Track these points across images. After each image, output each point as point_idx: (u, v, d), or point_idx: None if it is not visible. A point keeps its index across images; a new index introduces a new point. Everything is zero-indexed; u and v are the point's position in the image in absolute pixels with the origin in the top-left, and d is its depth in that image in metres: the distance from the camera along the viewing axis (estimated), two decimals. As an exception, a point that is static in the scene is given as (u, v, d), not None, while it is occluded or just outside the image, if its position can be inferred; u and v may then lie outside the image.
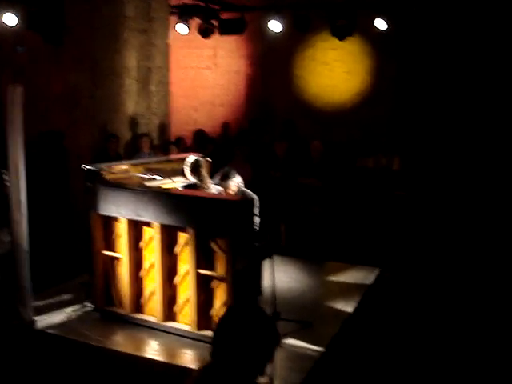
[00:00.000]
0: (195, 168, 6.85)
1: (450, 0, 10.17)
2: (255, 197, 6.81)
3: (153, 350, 6.14)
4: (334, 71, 13.79)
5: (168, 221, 6.09)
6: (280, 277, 7.94)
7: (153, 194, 6.20)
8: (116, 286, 6.70)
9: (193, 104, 14.86)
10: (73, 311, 6.78)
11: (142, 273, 6.54)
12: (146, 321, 6.48)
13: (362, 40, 13.23)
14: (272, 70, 14.34)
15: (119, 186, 6.48)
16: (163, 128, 10.59)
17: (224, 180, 6.89)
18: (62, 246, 8.85)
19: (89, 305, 6.85)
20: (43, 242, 8.15)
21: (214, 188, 6.89)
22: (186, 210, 6.00)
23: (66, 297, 7.20)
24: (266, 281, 7.02)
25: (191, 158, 6.97)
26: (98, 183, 6.48)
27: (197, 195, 6.38)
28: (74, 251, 8.39)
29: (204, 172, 6.92)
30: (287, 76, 14.12)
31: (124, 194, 6.32)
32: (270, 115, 14.01)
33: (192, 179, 6.89)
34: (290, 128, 12.43)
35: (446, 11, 10.39)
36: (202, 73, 14.83)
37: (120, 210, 6.35)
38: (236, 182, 6.94)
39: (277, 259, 8.16)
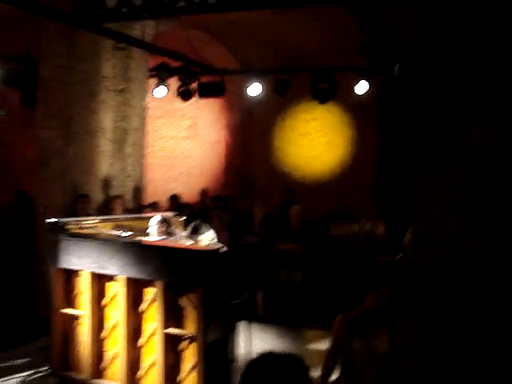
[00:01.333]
0: (163, 223, 6.43)
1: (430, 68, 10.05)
2: (231, 253, 6.36)
3: (112, 419, 5.52)
4: (315, 142, 13.63)
5: (135, 273, 5.60)
6: (257, 344, 7.41)
7: (119, 244, 5.73)
8: (76, 348, 6.12)
9: (170, 174, 14.61)
10: (28, 376, 6.16)
11: (104, 333, 5.98)
12: (107, 387, 5.88)
13: (342, 111, 13.18)
14: (252, 140, 14.17)
15: (83, 236, 6.01)
16: (137, 191, 10.19)
17: (195, 233, 6.43)
18: (24, 306, 8.27)
19: (45, 369, 6.23)
20: (3, 302, 7.63)
21: (185, 242, 6.43)
22: (154, 262, 5.53)
23: (21, 361, 6.59)
24: (242, 348, 6.52)
25: (157, 216, 6.61)
26: (61, 235, 6.00)
27: (166, 245, 5.93)
28: (35, 311, 7.81)
29: (173, 228, 6.51)
30: (267, 146, 13.93)
31: (87, 245, 5.85)
32: (249, 185, 13.70)
33: (160, 237, 6.45)
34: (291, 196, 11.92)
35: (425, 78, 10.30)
36: (181, 142, 14.66)
37: (82, 263, 5.86)
38: (208, 237, 6.48)
39: (254, 326, 7.67)
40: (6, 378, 6.10)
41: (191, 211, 10.53)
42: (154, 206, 10.15)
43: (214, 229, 7.07)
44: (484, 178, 4.18)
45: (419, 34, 4.46)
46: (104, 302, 5.94)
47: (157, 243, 6.14)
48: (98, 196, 9.57)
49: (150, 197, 11.31)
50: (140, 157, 10.20)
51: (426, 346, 4.52)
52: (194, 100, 12.91)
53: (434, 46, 4.39)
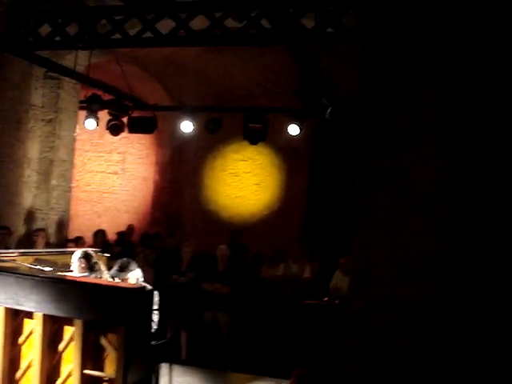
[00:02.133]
0: (85, 259, 6.20)
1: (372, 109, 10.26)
2: (155, 292, 6.16)
3: None
4: (244, 182, 13.63)
5: (53, 311, 5.30)
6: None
7: (37, 279, 5.44)
8: (-15, 389, 5.73)
9: (96, 209, 14.29)
10: None
11: (18, 374, 5.62)
12: (16, 434, 5.51)
13: (273, 153, 13.27)
14: (181, 178, 14.05)
15: None
16: (61, 225, 9.87)
17: (122, 271, 6.22)
18: None
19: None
20: None
21: (109, 279, 6.20)
22: (73, 299, 5.25)
23: None
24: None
25: (79, 251, 6.38)
26: (-25, 266, 5.67)
27: (87, 281, 5.68)
28: None
29: (96, 264, 6.27)
30: (196, 185, 13.84)
31: (4, 278, 5.51)
32: (176, 223, 13.51)
33: (82, 274, 6.20)
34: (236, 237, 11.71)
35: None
36: (108, 177, 14.39)
37: (-2, 298, 5.52)
38: (135, 275, 6.28)
39: (177, 369, 7.47)
40: None
41: (122, 248, 10.28)
42: (78, 241, 9.82)
43: (139, 267, 6.87)
44: (428, 218, 4.17)
45: (364, 74, 4.47)
46: (20, 339, 5.61)
47: (77, 279, 5.89)
48: (19, 228, 9.23)
49: (74, 232, 10.99)
50: (66, 190, 9.92)
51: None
52: (124, 135, 12.74)
53: (375, 87, 4.41)
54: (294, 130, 10.08)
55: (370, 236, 4.38)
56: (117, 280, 6.18)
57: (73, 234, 10.65)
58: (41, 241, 9.08)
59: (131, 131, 10.81)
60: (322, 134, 12.10)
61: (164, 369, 6.32)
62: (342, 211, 12.02)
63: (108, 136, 12.78)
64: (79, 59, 9.23)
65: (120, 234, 11.89)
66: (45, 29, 8.20)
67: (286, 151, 12.98)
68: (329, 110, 8.74)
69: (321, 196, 12.56)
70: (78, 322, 5.25)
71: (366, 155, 4.52)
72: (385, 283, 4.28)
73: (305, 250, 10.04)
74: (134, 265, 6.33)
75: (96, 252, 7.12)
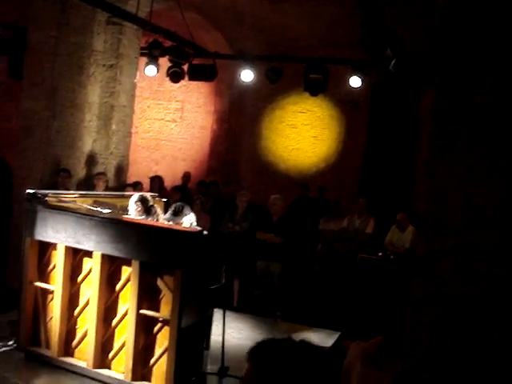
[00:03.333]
0: (141, 202, 6.27)
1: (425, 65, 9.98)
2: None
3: (78, 398, 5.38)
4: (302, 135, 13.50)
5: (111, 251, 5.44)
6: (231, 333, 7.33)
7: (96, 220, 5.56)
8: (46, 323, 5.95)
9: (154, 156, 14.44)
10: (-8, 349, 5.99)
11: (77, 310, 5.82)
12: (75, 366, 5.72)
13: (331, 105, 13.06)
14: (239, 128, 14.00)
15: (61, 209, 5.83)
16: (120, 170, 9.99)
17: (176, 215, 6.29)
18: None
19: (12, 343, 6.05)
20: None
21: (165, 223, 6.29)
22: (132, 240, 5.37)
23: (-13, 334, 6.40)
24: (215, 335, 6.42)
25: (136, 195, 6.46)
26: (38, 206, 5.82)
27: (146, 224, 5.77)
28: (6, 283, 7.62)
29: (153, 208, 6.35)
30: (254, 135, 13.78)
31: (65, 218, 5.67)
32: (232, 172, 13.55)
33: (139, 216, 6.29)
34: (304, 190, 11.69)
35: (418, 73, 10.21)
36: (167, 125, 14.49)
37: (58, 236, 5.68)
38: (189, 219, 6.35)
39: (229, 315, 7.56)
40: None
41: (181, 194, 10.35)
42: (136, 186, 9.94)
43: (195, 213, 6.95)
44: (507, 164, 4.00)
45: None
46: (80, 277, 5.78)
47: (136, 220, 5.99)
48: (79, 172, 9.38)
49: (132, 177, 11.16)
50: (125, 135, 10.01)
51: (433, 344, 4.31)
52: (184, 84, 12.77)
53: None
54: (355, 82, 9.85)
55: (444, 180, 4.23)
56: (171, 223, 6.26)
57: (131, 179, 10.79)
58: (101, 184, 9.20)
59: (191, 79, 10.77)
60: (384, 87, 11.82)
61: (217, 314, 6.40)
62: (399, 167, 11.88)
63: (167, 84, 12.84)
64: (141, 5, 9.19)
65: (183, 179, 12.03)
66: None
67: (345, 104, 12.75)
68: (393, 62, 8.50)
69: (378, 151, 12.35)
70: (136, 263, 5.36)
71: (444, 94, 4.32)
72: (457, 230, 4.16)
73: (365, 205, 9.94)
74: (188, 209, 6.39)
75: (153, 197, 7.22)
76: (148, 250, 5.33)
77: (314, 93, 10.33)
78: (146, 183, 11.28)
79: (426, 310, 4.32)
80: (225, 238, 9.07)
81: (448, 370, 4.27)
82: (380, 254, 8.98)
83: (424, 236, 4.47)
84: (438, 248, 4.23)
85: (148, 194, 6.59)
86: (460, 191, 4.15)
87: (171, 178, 12.60)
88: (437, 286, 4.25)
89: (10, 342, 6.10)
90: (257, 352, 1.91)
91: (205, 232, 5.47)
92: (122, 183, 10.05)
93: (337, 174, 12.84)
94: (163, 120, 14.54)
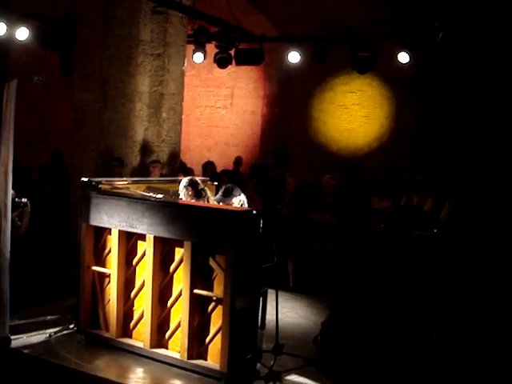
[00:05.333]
0: (191, 186, 6.35)
1: (476, 40, 9.75)
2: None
3: (136, 378, 5.50)
4: (353, 115, 13.38)
5: (163, 233, 5.54)
6: (286, 312, 7.40)
7: (148, 203, 5.66)
8: (104, 306, 6.11)
9: (206, 143, 14.60)
10: (54, 332, 6.19)
11: (133, 292, 5.95)
12: (132, 346, 5.87)
13: (381, 84, 12.89)
14: (289, 111, 13.97)
15: (113, 194, 5.97)
16: (173, 157, 10.12)
17: (226, 196, 6.36)
18: (57, 265, 8.34)
19: (73, 326, 6.25)
20: (36, 259, 7.69)
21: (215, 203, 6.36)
22: (183, 222, 5.45)
23: (50, 317, 6.63)
24: (270, 315, 6.48)
25: (185, 178, 6.55)
26: (92, 192, 5.97)
27: (196, 205, 5.85)
28: (66, 269, 7.85)
29: (202, 190, 6.42)
30: (304, 118, 13.71)
31: (118, 203, 5.80)
32: (284, 156, 13.56)
33: (189, 199, 6.38)
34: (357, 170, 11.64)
35: (472, 50, 9.98)
36: (217, 112, 14.62)
37: (112, 221, 5.82)
38: (239, 200, 6.40)
39: (284, 295, 7.63)
40: (33, 333, 6.14)
41: (230, 178, 10.45)
42: (187, 172, 10.07)
43: (248, 197, 7.00)
44: None
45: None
46: (135, 260, 5.91)
47: (186, 202, 6.08)
48: (132, 161, 9.55)
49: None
50: (176, 123, 10.11)
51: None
52: (232, 70, 12.85)
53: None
54: (403, 58, 9.70)
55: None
56: (222, 204, 6.33)
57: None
58: (157, 172, 9.31)
59: (238, 63, 10.81)
60: (434, 62, 11.58)
61: (272, 295, 6.45)
62: (453, 144, 11.64)
63: (216, 71, 12.94)
64: (186, -7, 9.28)
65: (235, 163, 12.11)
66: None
67: (395, 82, 12.55)
68: (440, 35, 8.35)
69: (431, 128, 12.13)
70: (188, 244, 5.45)
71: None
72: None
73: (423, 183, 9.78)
74: (238, 191, 6.45)
75: (204, 181, 7.30)
76: (199, 230, 5.41)
77: (362, 71, 10.25)
78: (199, 170, 11.41)
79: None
80: (277, 219, 9.09)
81: None
82: (435, 230, 8.84)
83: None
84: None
85: (197, 178, 6.66)
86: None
87: (224, 164, 12.70)
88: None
89: (71, 326, 6.30)
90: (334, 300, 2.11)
91: (254, 211, 5.51)
92: (175, 170, 10.19)
93: (389, 152, 12.68)
94: (214, 107, 14.68)
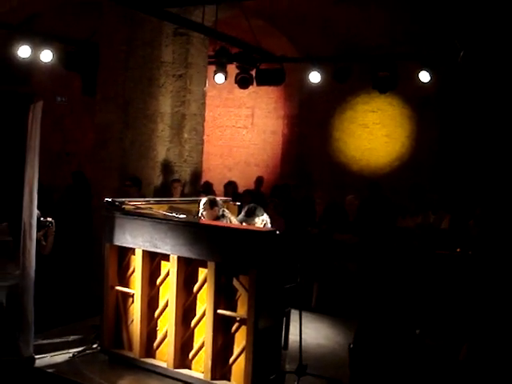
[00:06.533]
0: (212, 205, 6.38)
1: (493, 58, 9.72)
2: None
3: (161, 398, 5.50)
4: (374, 134, 13.36)
5: (187, 253, 5.56)
6: (310, 333, 7.35)
7: (172, 224, 5.69)
8: (127, 326, 6.13)
9: (227, 163, 14.65)
10: (78, 352, 6.21)
11: (157, 312, 5.96)
12: (156, 366, 5.87)
13: (402, 103, 12.87)
14: (310, 131, 13.99)
15: (137, 214, 6.00)
16: (195, 177, 10.17)
17: (249, 216, 6.37)
18: (81, 285, 8.38)
19: (96, 346, 6.27)
20: (60, 279, 7.74)
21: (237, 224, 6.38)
22: (207, 242, 5.47)
23: (73, 337, 6.65)
24: (293, 335, 6.45)
25: (206, 198, 6.58)
26: (116, 212, 6.01)
27: (219, 225, 5.87)
28: (90, 289, 7.88)
29: (223, 210, 6.45)
30: (325, 138, 13.72)
31: (141, 223, 5.84)
32: (305, 176, 13.55)
33: (210, 218, 6.41)
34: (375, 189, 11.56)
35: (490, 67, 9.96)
36: (238, 132, 14.68)
37: (136, 241, 5.85)
38: (262, 220, 6.40)
39: (307, 316, 7.58)
40: (56, 353, 6.17)
41: (252, 197, 10.44)
42: (208, 191, 10.11)
43: (269, 216, 7.00)
44: None
45: None
46: (158, 280, 5.93)
47: (209, 223, 6.09)
48: (155, 180, 9.61)
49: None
50: (198, 143, 10.17)
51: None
52: (253, 90, 12.91)
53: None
54: (424, 77, 9.69)
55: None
56: (244, 224, 6.34)
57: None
58: (177, 191, 9.39)
59: (259, 83, 10.88)
60: (454, 81, 11.56)
61: (294, 315, 6.43)
62: (475, 162, 11.57)
63: (237, 91, 13.01)
64: (207, 15, 9.36)
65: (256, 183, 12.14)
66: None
67: (416, 101, 12.55)
68: (461, 54, 8.34)
69: (452, 147, 12.08)
70: (211, 264, 5.46)
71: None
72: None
73: (439, 201, 9.72)
74: (260, 210, 6.45)
75: (226, 201, 7.33)
76: (222, 250, 5.42)
77: (382, 90, 10.26)
78: (221, 190, 11.45)
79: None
80: (301, 240, 9.07)
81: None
82: (458, 249, 8.76)
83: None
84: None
85: (218, 198, 6.69)
86: None
87: (245, 184, 12.72)
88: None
89: (95, 345, 6.32)
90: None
91: (277, 232, 5.50)
92: (197, 190, 10.23)
93: (411, 171, 12.63)
94: (234, 127, 14.74)
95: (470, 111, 11.58)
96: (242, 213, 6.53)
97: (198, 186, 10.33)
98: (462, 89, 11.65)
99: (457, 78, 11.02)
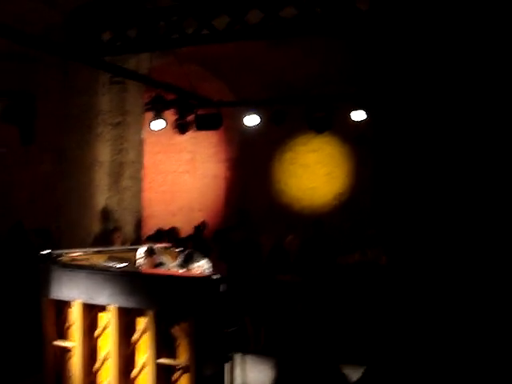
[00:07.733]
0: (150, 253, 6.37)
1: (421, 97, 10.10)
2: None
3: None
4: (315, 173, 13.59)
5: (125, 303, 5.49)
6: (252, 376, 7.27)
7: (108, 274, 5.64)
8: (67, 381, 5.97)
9: (171, 209, 14.57)
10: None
11: (97, 365, 5.84)
12: (98, 421, 5.72)
13: (340, 142, 13.17)
14: (251, 174, 14.14)
15: (72, 266, 5.92)
16: (135, 224, 10.12)
17: (186, 262, 6.33)
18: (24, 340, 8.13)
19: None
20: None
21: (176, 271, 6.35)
22: (145, 291, 5.43)
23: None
24: (237, 378, 6.41)
25: (144, 246, 6.57)
26: (52, 265, 5.91)
27: (156, 273, 5.84)
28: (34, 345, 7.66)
29: (162, 257, 6.45)
30: (265, 179, 13.89)
31: (77, 275, 5.75)
32: (246, 218, 13.63)
33: (150, 267, 6.37)
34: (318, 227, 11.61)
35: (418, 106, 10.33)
36: (180, 177, 14.66)
37: (72, 294, 5.75)
38: (201, 266, 6.37)
39: (254, 358, 7.55)
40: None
41: (194, 243, 10.41)
42: (160, 239, 10.03)
43: (212, 261, 6.97)
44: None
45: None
46: (96, 332, 5.82)
47: (147, 271, 6.06)
48: (94, 229, 9.52)
49: (150, 232, 11.24)
50: (137, 190, 10.16)
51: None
52: (193, 135, 13.00)
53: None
54: (357, 116, 10.00)
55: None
56: (183, 270, 6.31)
57: (149, 233, 10.89)
58: (117, 240, 9.32)
59: (199, 128, 11.01)
60: (386, 118, 11.90)
61: (237, 357, 6.38)
62: (412, 196, 11.86)
63: (177, 136, 13.07)
64: (141, 63, 9.48)
65: (196, 228, 12.09)
66: (106, 35, 8.47)
67: (352, 139, 12.86)
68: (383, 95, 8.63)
69: (386, 183, 12.36)
70: (150, 313, 5.40)
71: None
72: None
73: (377, 236, 9.92)
74: (199, 256, 6.43)
75: (167, 247, 7.30)
76: (160, 298, 5.38)
77: (319, 130, 10.50)
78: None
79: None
80: (243, 283, 9.05)
81: None
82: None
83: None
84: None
85: (151, 245, 6.68)
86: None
87: (189, 229, 12.68)
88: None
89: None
90: None
91: (214, 276, 5.50)
92: (138, 238, 10.16)
93: (350, 209, 12.86)
94: (176, 172, 14.72)
95: (404, 147, 11.92)
96: (180, 259, 6.50)
97: (140, 233, 10.27)
98: (396, 125, 11.99)
99: (386, 116, 11.35)
